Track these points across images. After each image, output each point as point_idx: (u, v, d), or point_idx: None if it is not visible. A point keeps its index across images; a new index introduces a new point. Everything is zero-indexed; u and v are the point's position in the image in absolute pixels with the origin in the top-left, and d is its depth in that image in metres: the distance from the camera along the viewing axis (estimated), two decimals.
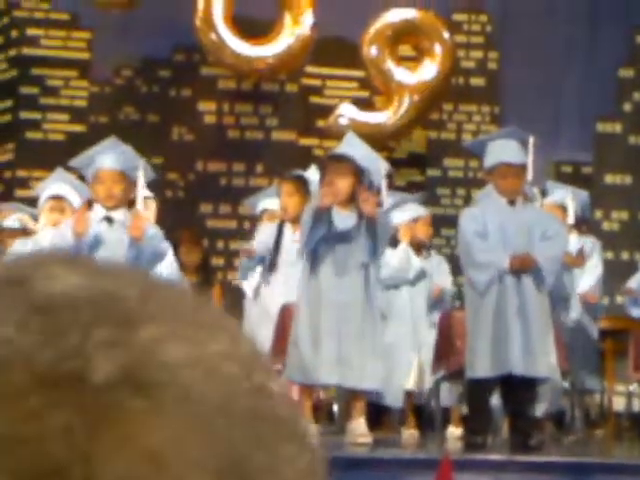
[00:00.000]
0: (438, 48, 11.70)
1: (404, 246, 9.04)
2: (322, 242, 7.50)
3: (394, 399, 8.82)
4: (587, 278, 9.34)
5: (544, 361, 7.65)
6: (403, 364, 8.72)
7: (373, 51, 11.68)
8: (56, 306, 0.55)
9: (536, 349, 7.58)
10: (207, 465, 0.55)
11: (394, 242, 9.04)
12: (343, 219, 7.47)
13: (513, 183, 7.77)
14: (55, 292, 0.56)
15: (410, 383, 8.77)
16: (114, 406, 0.54)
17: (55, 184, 8.61)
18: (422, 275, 9.14)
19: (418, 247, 9.20)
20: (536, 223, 7.77)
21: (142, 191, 7.75)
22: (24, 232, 9.14)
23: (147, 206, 9.14)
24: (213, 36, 11.43)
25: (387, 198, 8.20)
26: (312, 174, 8.45)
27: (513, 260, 7.54)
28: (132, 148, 8.03)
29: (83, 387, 0.54)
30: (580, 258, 8.75)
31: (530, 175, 8.15)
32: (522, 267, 7.56)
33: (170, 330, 0.57)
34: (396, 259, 8.99)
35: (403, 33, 11.71)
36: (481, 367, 7.57)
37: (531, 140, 8.18)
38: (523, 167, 7.88)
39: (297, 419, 0.60)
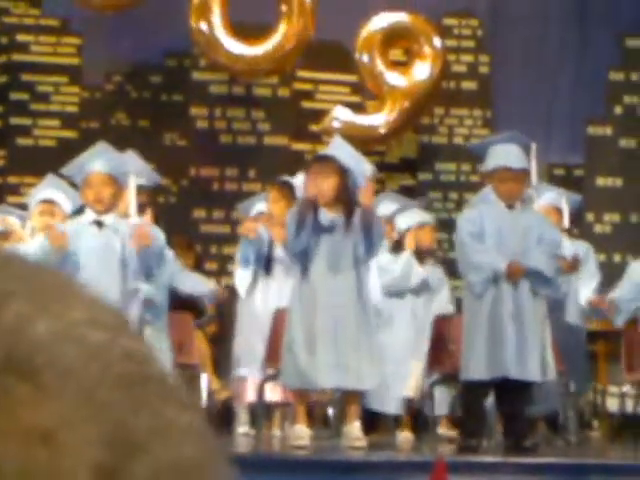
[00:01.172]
0: (429, 52, 11.72)
1: (408, 254, 8.98)
2: (311, 244, 7.48)
3: (394, 407, 8.81)
4: (588, 284, 9.33)
5: (538, 364, 7.69)
6: (403, 372, 8.67)
7: (364, 56, 11.68)
8: None
9: (531, 353, 7.61)
10: (98, 437, 0.54)
11: (398, 248, 9.04)
12: (329, 218, 7.46)
13: (512, 187, 7.78)
14: None
15: (410, 390, 8.74)
16: (1, 394, 0.54)
17: (46, 189, 8.65)
18: (425, 286, 9.10)
19: (423, 255, 9.16)
20: (533, 227, 7.79)
21: (134, 196, 7.76)
22: (6, 235, 9.13)
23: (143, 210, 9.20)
24: (207, 36, 11.40)
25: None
26: (299, 180, 8.43)
27: (510, 267, 7.58)
28: (135, 154, 8.07)
29: None
30: (575, 263, 8.77)
31: (533, 180, 8.19)
32: (515, 276, 7.60)
33: (32, 306, 0.56)
34: (399, 267, 8.95)
35: (394, 37, 11.70)
36: (476, 370, 7.58)
37: (533, 146, 8.21)
38: (524, 172, 7.90)
39: (172, 380, 0.60)
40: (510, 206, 7.83)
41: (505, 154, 7.91)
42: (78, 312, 0.57)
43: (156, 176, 8.41)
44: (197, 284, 8.88)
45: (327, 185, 7.43)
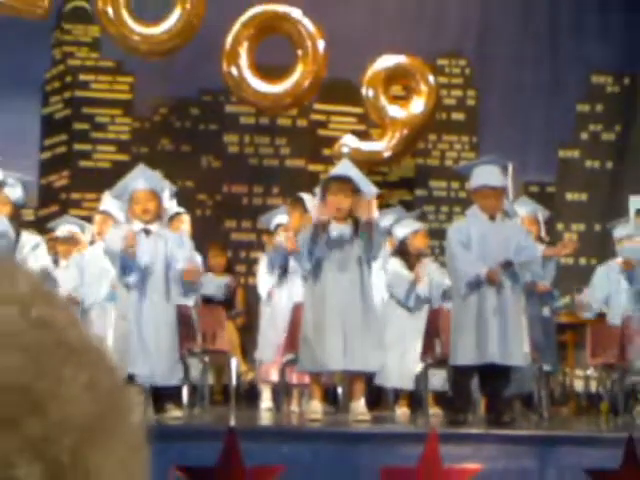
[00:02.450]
0: (424, 88, 11.69)
1: (399, 267, 8.92)
2: (323, 251, 7.47)
3: (406, 382, 8.74)
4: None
5: (518, 352, 7.64)
6: (412, 353, 8.57)
7: (370, 91, 11.66)
8: None
9: (511, 341, 7.57)
10: None
11: (398, 253, 9.02)
12: (339, 229, 7.45)
13: (493, 202, 7.72)
14: None
15: (413, 370, 8.66)
16: None
17: (105, 203, 8.72)
18: (424, 302, 8.99)
19: (419, 256, 9.09)
20: (512, 236, 7.74)
21: (168, 206, 7.84)
22: (73, 240, 9.17)
23: (181, 220, 9.22)
24: (237, 77, 11.41)
25: (376, 214, 8.17)
26: (316, 194, 8.41)
27: (489, 273, 7.55)
28: (164, 174, 8.08)
29: None
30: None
31: (510, 195, 8.17)
32: (493, 281, 7.56)
33: None
34: (393, 270, 8.91)
35: (395, 76, 11.67)
36: (464, 356, 7.52)
37: (510, 166, 8.19)
38: (502, 189, 7.86)
39: (78, 342, 0.56)
40: (492, 218, 7.81)
41: (486, 174, 7.87)
42: None
43: (172, 189, 8.46)
44: (205, 286, 8.80)
45: (346, 203, 7.45)
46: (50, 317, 0.55)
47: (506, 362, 7.49)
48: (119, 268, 7.39)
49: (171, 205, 8.79)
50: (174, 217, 9.14)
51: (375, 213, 7.90)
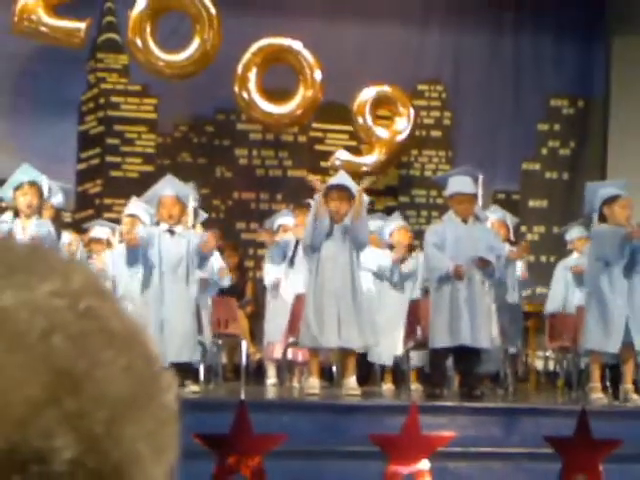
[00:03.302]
0: (404, 111, 11.73)
1: (381, 255, 8.94)
2: (321, 245, 7.49)
3: (386, 359, 8.77)
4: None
5: (486, 336, 7.70)
6: (390, 337, 8.59)
7: (359, 114, 11.71)
8: None
9: (480, 327, 7.62)
10: (31, 380, 0.51)
11: (391, 247, 9.05)
12: (337, 229, 7.52)
13: (466, 207, 7.77)
14: None
15: (398, 350, 8.69)
16: None
17: (132, 207, 8.73)
18: (406, 277, 9.01)
19: (407, 248, 9.05)
20: (482, 237, 7.78)
21: (192, 210, 7.88)
22: (107, 241, 9.19)
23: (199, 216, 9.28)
24: (246, 99, 11.44)
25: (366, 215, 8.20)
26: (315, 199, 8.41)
27: (454, 269, 7.57)
28: (185, 183, 8.14)
29: None
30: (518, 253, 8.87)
31: (480, 201, 8.18)
32: (458, 276, 7.58)
33: (6, 282, 0.53)
34: (377, 261, 8.94)
35: (380, 101, 11.72)
36: (440, 340, 7.59)
37: (480, 177, 8.22)
38: (473, 196, 7.89)
39: (120, 330, 0.55)
40: (465, 221, 7.83)
41: (460, 183, 7.91)
42: (48, 285, 0.54)
43: (197, 195, 8.49)
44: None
45: (344, 208, 7.53)
46: (97, 308, 0.55)
47: (475, 345, 7.54)
48: (126, 260, 7.54)
49: (203, 213, 8.87)
50: (205, 222, 9.18)
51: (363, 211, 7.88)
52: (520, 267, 9.26)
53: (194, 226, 8.15)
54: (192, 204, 7.84)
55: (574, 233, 9.64)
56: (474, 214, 7.91)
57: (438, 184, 8.85)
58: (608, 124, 12.32)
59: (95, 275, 0.57)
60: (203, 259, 7.62)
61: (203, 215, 8.75)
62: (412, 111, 11.70)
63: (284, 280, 8.92)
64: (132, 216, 8.64)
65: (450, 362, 8.03)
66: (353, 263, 7.60)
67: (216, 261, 8.55)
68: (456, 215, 7.82)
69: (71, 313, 0.53)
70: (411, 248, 9.26)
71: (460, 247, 7.67)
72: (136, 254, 7.46)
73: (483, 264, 7.63)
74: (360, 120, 11.63)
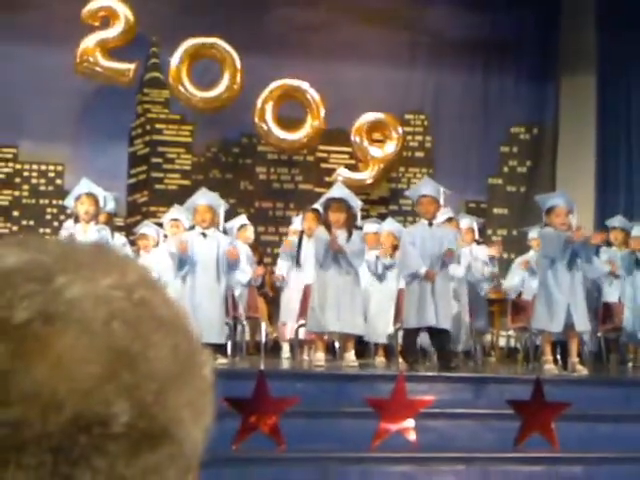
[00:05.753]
0: (395, 135, 11.77)
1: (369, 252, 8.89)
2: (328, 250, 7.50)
3: (380, 337, 8.67)
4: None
5: (448, 318, 7.49)
6: (383, 319, 8.50)
7: (357, 137, 11.74)
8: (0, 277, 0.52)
9: (443, 310, 7.45)
10: (95, 359, 0.51)
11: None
12: (338, 235, 7.48)
13: (427, 208, 7.55)
14: None
15: (389, 330, 8.65)
16: (30, 335, 0.50)
17: (175, 212, 8.75)
18: (387, 269, 8.94)
19: (392, 247, 8.87)
20: (444, 237, 7.61)
21: (222, 218, 7.88)
22: (152, 238, 9.20)
23: (247, 229, 9.28)
24: (265, 127, 11.49)
25: (361, 221, 8.17)
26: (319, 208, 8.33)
27: (427, 273, 7.42)
28: (217, 194, 8.14)
29: (6, 326, 0.50)
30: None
31: (442, 203, 7.89)
32: (430, 278, 7.43)
33: (75, 276, 0.52)
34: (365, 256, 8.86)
35: (375, 126, 11.75)
36: (410, 321, 7.54)
37: (441, 189, 8.00)
38: (433, 198, 7.55)
39: (168, 316, 0.54)
40: (430, 224, 7.71)
41: (421, 186, 7.84)
42: (108, 279, 0.53)
43: (226, 206, 8.49)
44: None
45: (343, 218, 7.45)
46: (149, 298, 0.54)
47: (439, 326, 7.44)
48: (176, 264, 7.47)
49: (239, 219, 8.88)
50: (241, 228, 9.21)
51: (358, 221, 7.86)
52: (487, 262, 9.26)
53: (225, 230, 8.15)
54: (223, 211, 7.86)
55: (531, 234, 9.73)
56: (435, 216, 7.63)
57: (409, 196, 8.60)
58: (557, 147, 12.36)
59: (146, 270, 0.56)
60: (232, 264, 7.55)
61: (241, 221, 8.74)
62: (400, 135, 11.68)
63: (294, 273, 8.89)
64: (175, 220, 8.65)
65: (427, 340, 7.99)
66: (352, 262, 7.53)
67: (246, 266, 8.56)
68: (422, 218, 7.71)
69: (127, 302, 0.53)
70: (395, 247, 9.22)
71: (426, 246, 7.54)
72: (184, 260, 7.42)
73: (450, 254, 7.55)
74: (358, 142, 11.65)
